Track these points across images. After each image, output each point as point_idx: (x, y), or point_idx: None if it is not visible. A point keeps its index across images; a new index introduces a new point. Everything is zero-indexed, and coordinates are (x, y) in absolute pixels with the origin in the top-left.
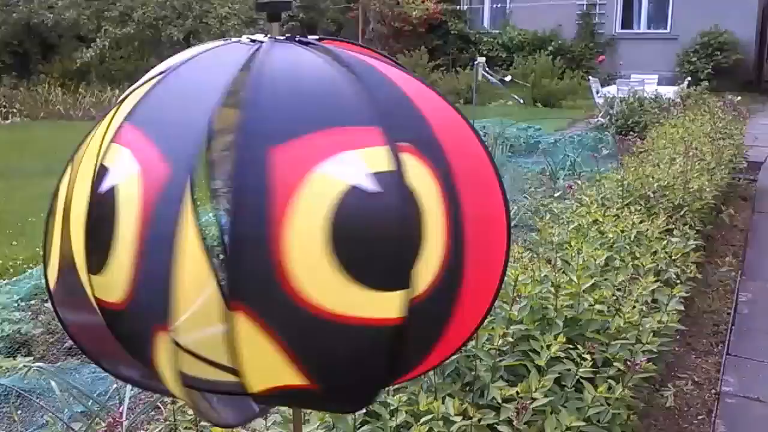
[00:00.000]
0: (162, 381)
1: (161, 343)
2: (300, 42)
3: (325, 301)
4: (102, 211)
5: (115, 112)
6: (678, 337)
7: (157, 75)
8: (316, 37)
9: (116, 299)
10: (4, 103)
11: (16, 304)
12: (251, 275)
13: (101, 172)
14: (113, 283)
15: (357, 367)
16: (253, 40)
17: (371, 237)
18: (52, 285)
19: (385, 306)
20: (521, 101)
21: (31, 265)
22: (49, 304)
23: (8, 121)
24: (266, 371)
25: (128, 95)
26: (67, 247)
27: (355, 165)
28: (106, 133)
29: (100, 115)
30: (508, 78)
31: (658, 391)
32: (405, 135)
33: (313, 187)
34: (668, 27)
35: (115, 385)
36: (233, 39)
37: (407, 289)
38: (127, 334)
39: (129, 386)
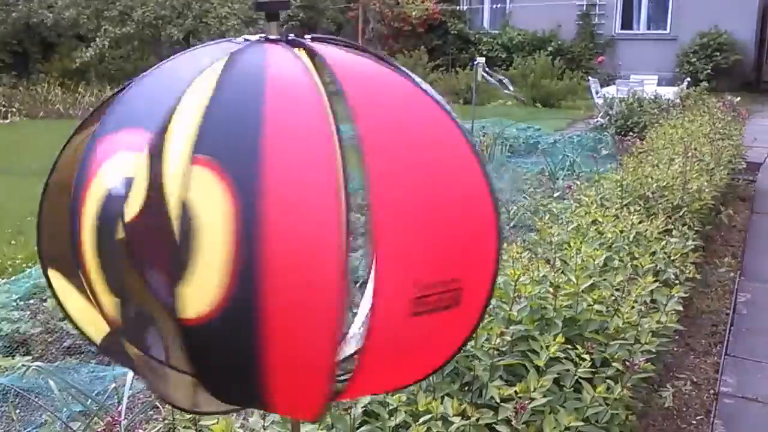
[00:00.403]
0: None
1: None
2: (269, 41)
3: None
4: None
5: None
6: (677, 337)
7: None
8: (309, 36)
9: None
10: (3, 103)
11: (14, 304)
12: None
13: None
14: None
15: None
16: (246, 40)
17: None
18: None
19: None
20: (522, 98)
21: (29, 264)
22: (47, 304)
23: (7, 121)
24: None
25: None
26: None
27: (120, 167)
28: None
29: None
30: (506, 80)
31: (656, 391)
32: (212, 149)
33: (95, 183)
34: (668, 27)
35: (113, 385)
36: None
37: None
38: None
39: (127, 386)
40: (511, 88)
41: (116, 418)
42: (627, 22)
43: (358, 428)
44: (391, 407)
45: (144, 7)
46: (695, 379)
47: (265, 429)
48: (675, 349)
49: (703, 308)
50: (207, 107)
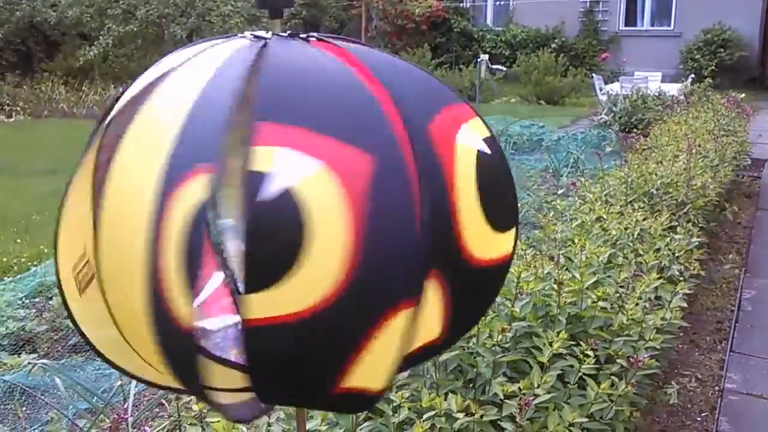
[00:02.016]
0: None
1: (397, 322)
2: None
3: (481, 252)
4: (275, 216)
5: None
6: (681, 334)
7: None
8: (314, 35)
9: (306, 306)
10: (7, 102)
11: (20, 302)
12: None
13: (254, 179)
14: (304, 288)
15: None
16: (257, 37)
17: (499, 189)
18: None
19: (508, 243)
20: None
21: (35, 262)
22: (53, 302)
23: (12, 119)
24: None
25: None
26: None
27: (477, 134)
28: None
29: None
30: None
31: (661, 388)
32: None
33: (460, 152)
34: (672, 24)
35: (119, 382)
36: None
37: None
38: (326, 338)
39: (134, 383)
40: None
41: (122, 415)
42: (631, 19)
43: (361, 425)
44: (394, 404)
45: (147, 5)
46: (700, 376)
47: (269, 425)
48: (680, 345)
49: (708, 305)
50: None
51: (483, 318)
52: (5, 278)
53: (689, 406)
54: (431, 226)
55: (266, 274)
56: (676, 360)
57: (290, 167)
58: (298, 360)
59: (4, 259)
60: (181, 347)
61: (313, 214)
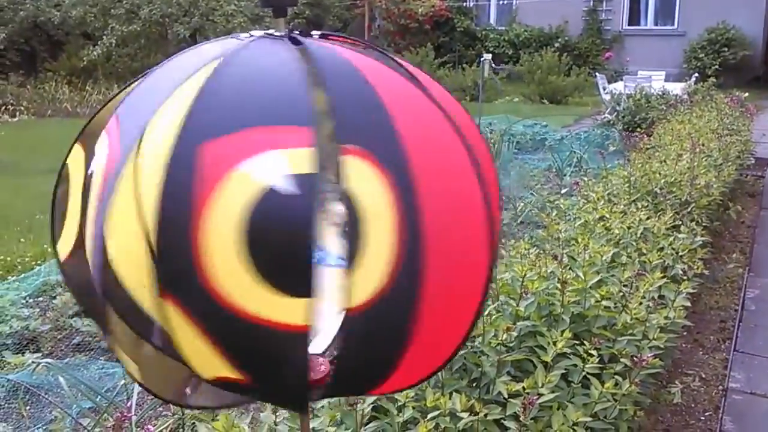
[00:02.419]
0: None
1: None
2: (292, 38)
3: (240, 300)
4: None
5: None
6: (685, 333)
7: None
8: (319, 33)
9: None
10: (11, 101)
11: (24, 301)
12: (175, 266)
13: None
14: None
15: (278, 369)
16: (251, 36)
17: (281, 240)
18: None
19: (292, 311)
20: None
21: (38, 262)
22: (56, 301)
23: (16, 119)
24: (205, 362)
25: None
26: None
27: (276, 165)
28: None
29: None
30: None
31: (665, 387)
32: (357, 137)
33: (232, 185)
34: (675, 23)
35: (123, 381)
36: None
37: (310, 298)
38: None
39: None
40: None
41: (126, 414)
42: (634, 18)
43: (366, 424)
44: (399, 403)
45: (150, 5)
46: (704, 375)
47: (276, 424)
48: (683, 345)
49: (712, 304)
50: (328, 100)
51: (488, 317)
52: (9, 277)
53: (693, 405)
54: (158, 245)
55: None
56: (680, 359)
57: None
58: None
59: (8, 259)
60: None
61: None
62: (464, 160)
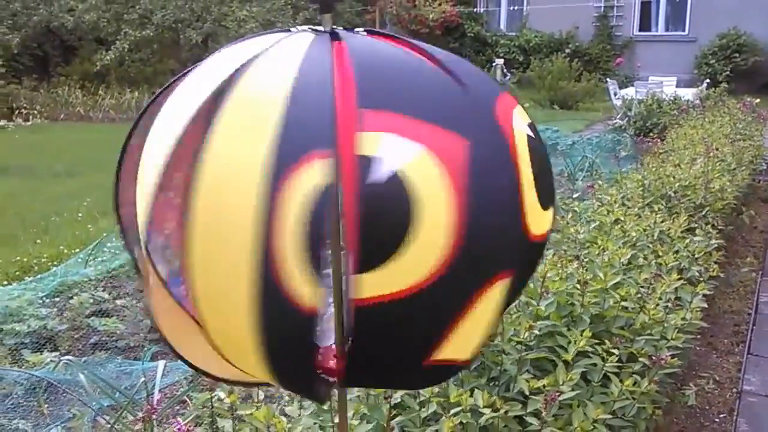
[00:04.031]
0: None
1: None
2: (334, 34)
3: (536, 228)
4: (385, 198)
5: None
6: (699, 336)
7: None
8: (363, 29)
9: (414, 282)
10: (25, 105)
11: (41, 301)
12: None
13: (363, 163)
14: (411, 267)
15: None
16: (316, 31)
17: (544, 169)
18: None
19: (550, 219)
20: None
21: (55, 262)
22: (73, 301)
23: (29, 123)
24: None
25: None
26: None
27: (522, 120)
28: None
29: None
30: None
31: (680, 389)
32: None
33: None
34: (686, 29)
35: (142, 379)
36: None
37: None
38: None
39: (158, 377)
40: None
41: (154, 406)
42: (645, 24)
43: (391, 419)
44: (422, 398)
45: (163, 10)
46: (718, 378)
47: (300, 417)
48: (697, 347)
49: (725, 308)
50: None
51: (509, 316)
52: (26, 278)
53: (707, 407)
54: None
55: (378, 254)
56: (694, 361)
57: (396, 151)
58: (400, 335)
59: (24, 259)
60: (297, 331)
61: (419, 196)
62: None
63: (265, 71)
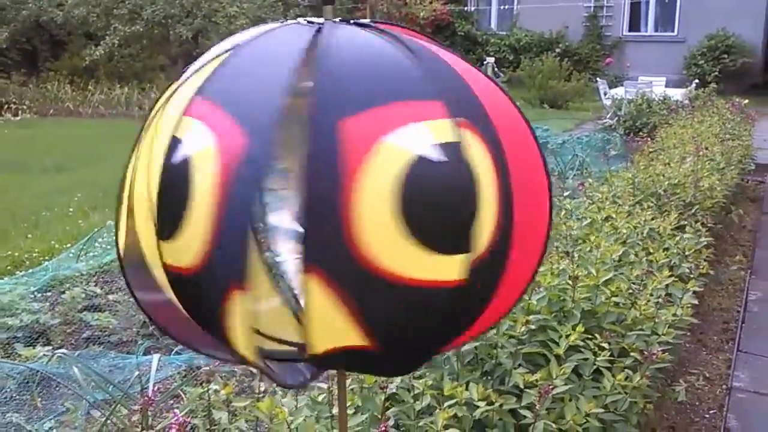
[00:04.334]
0: (233, 346)
1: (235, 305)
2: (357, 24)
3: (392, 264)
4: (175, 181)
5: (173, 92)
6: (689, 334)
7: (223, 53)
8: (369, 20)
9: (189, 263)
10: (14, 100)
11: (32, 296)
12: (323, 240)
13: (173, 144)
14: (187, 247)
15: (417, 328)
16: (310, 22)
17: (436, 203)
18: (125, 267)
19: (447, 268)
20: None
21: (46, 258)
22: (65, 295)
23: (18, 118)
24: (331, 332)
25: (194, 72)
26: (131, 222)
27: (422, 136)
28: (162, 109)
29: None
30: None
31: (670, 386)
32: (461, 111)
33: (381, 156)
34: (675, 30)
35: (136, 373)
36: (291, 20)
37: (468, 253)
38: (197, 299)
39: (153, 370)
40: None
41: (151, 398)
42: (635, 24)
43: (386, 410)
44: (417, 391)
45: (153, 5)
46: (708, 375)
47: (298, 408)
48: (687, 345)
49: (715, 306)
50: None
51: None
52: (17, 272)
53: (697, 403)
54: (309, 222)
55: (166, 226)
56: (684, 358)
57: (195, 138)
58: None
59: (16, 254)
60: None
61: (196, 184)
62: (528, 134)
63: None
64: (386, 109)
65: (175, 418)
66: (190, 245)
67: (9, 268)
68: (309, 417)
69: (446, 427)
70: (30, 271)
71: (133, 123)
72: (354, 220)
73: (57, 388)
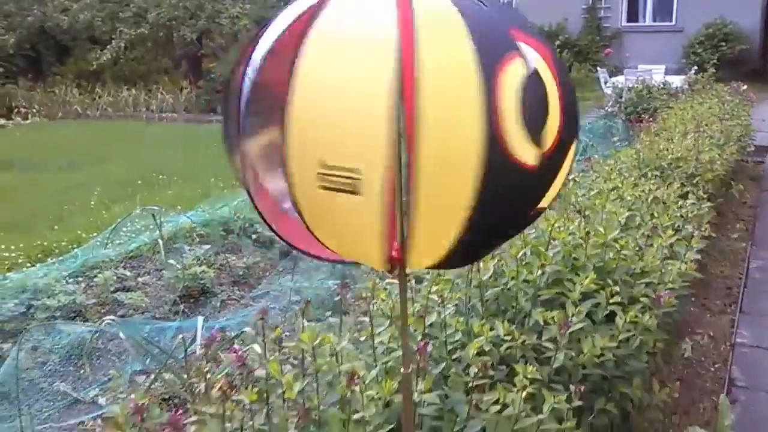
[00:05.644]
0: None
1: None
2: None
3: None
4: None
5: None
6: (693, 298)
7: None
8: None
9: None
10: (23, 104)
11: (66, 280)
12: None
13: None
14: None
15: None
16: None
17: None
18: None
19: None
20: None
21: (74, 246)
22: (98, 278)
23: (28, 121)
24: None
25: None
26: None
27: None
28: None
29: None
30: None
31: (676, 344)
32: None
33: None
34: (673, 19)
35: (181, 336)
36: None
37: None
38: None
39: (199, 331)
40: None
41: (216, 334)
42: (633, 15)
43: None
44: (449, 330)
45: (158, 8)
46: (712, 334)
47: (341, 340)
48: (692, 309)
49: (717, 273)
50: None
51: (519, 262)
52: (48, 260)
53: (703, 359)
54: None
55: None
56: (689, 320)
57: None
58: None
59: (45, 243)
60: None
61: (548, 89)
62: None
63: None
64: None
65: (236, 351)
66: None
67: (40, 256)
68: (352, 344)
69: (478, 354)
70: (60, 258)
71: (141, 123)
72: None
73: (98, 360)
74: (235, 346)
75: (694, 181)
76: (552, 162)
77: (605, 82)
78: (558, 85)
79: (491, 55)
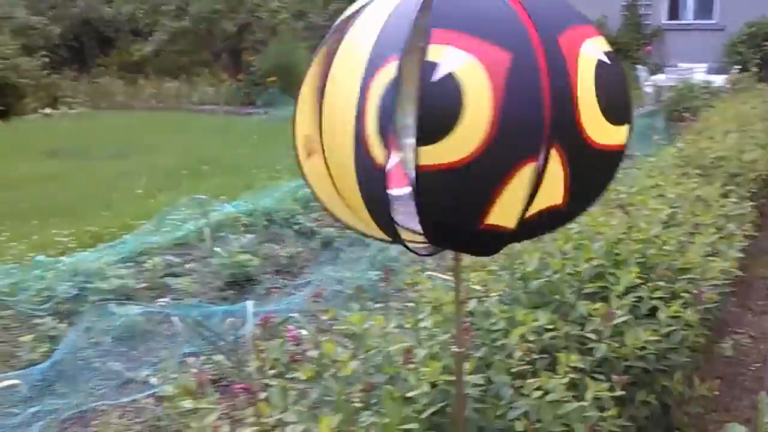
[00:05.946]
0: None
1: (522, 177)
2: None
3: (593, 134)
4: (442, 93)
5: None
6: (734, 299)
7: None
8: None
9: (461, 156)
10: (69, 94)
11: (116, 265)
12: (563, 123)
13: (428, 67)
14: (459, 144)
15: (599, 183)
16: None
17: (611, 90)
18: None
19: (622, 134)
20: None
21: (123, 232)
22: (147, 264)
23: (74, 111)
24: (547, 195)
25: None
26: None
27: (596, 47)
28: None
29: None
30: None
31: (717, 343)
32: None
33: (582, 60)
34: (715, 17)
35: (230, 319)
36: None
37: (630, 124)
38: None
39: (249, 315)
40: None
41: (270, 315)
42: (674, 12)
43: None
44: (493, 319)
45: (199, 2)
46: (753, 334)
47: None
48: (733, 309)
49: (759, 274)
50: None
51: (563, 256)
52: (99, 245)
53: (743, 358)
54: (552, 110)
55: (433, 132)
56: (730, 320)
57: (452, 59)
58: (456, 198)
59: (95, 229)
60: (376, 185)
61: (467, 92)
62: None
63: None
64: (572, 29)
65: (291, 332)
66: (466, 141)
67: (90, 241)
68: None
69: (522, 339)
70: (110, 244)
71: (185, 114)
72: (577, 106)
73: (149, 342)
74: (291, 326)
75: (737, 181)
76: (478, 170)
77: (645, 81)
78: (494, 93)
79: (378, 58)
